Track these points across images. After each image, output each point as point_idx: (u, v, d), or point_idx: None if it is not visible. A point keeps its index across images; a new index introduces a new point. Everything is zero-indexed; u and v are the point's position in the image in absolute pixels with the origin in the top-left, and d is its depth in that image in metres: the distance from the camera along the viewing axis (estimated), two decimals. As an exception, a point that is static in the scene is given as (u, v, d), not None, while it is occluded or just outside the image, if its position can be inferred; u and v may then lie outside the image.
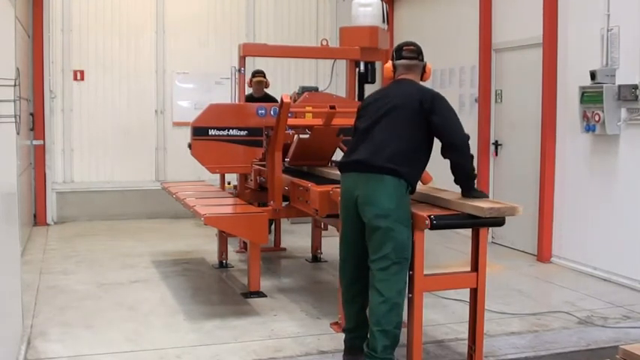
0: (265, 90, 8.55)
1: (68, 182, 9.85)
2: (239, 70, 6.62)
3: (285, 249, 8.00)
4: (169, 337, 4.90)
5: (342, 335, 4.51)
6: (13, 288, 4.22)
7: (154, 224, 9.38)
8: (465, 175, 4.22)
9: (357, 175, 4.14)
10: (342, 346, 4.45)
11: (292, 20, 10.76)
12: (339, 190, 4.46)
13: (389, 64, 4.44)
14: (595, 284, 6.48)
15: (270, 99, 8.06)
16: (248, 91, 7.75)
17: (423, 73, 4.42)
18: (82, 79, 9.80)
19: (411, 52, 4.39)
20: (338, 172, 4.47)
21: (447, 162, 4.22)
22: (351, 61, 6.87)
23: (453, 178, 4.25)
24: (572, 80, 6.88)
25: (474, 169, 4.25)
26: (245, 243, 7.30)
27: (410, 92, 4.24)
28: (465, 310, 4.52)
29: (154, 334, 4.98)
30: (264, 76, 8.55)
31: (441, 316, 5.35)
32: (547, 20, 7.22)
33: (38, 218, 9.48)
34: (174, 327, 5.16)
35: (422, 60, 4.42)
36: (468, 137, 4.19)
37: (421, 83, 4.42)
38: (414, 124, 4.13)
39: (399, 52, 4.41)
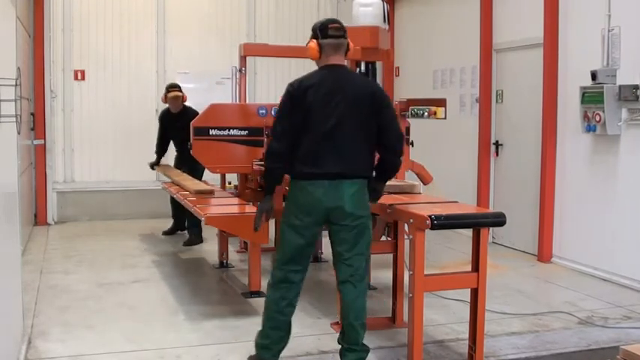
0: (184, 104, 8.20)
1: (69, 182, 9.85)
2: (240, 70, 6.64)
3: (285, 249, 7.98)
4: (169, 337, 4.90)
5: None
6: (13, 288, 4.22)
7: (155, 224, 9.37)
8: (393, 173, 4.29)
9: (328, 183, 3.99)
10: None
11: (293, 20, 10.76)
12: None
13: (314, 44, 4.14)
14: (596, 284, 6.47)
15: (190, 113, 7.58)
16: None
17: (347, 51, 4.17)
18: (83, 78, 9.81)
19: (338, 30, 4.13)
20: None
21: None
22: (351, 61, 6.85)
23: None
24: (572, 80, 6.88)
25: (400, 166, 4.30)
26: (245, 243, 7.30)
27: (360, 86, 4.12)
28: (465, 310, 4.51)
29: (154, 333, 4.98)
30: (180, 90, 8.23)
31: (442, 316, 5.35)
32: (548, 20, 7.22)
33: (39, 218, 9.48)
34: (175, 327, 5.16)
35: (347, 37, 4.17)
36: (403, 137, 4.26)
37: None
38: (369, 120, 4.06)
39: (324, 30, 4.12)
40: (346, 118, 4.01)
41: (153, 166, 8.66)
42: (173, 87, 8.34)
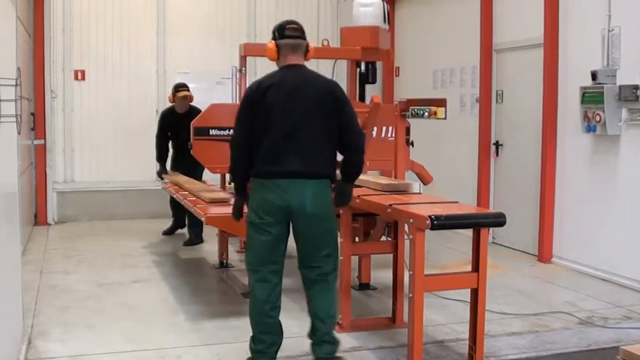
0: (190, 104, 8.15)
1: (69, 182, 9.85)
2: (240, 70, 6.63)
3: (285, 249, 7.97)
4: (170, 337, 4.90)
5: (343, 335, 4.55)
6: (13, 288, 4.22)
7: (155, 224, 9.37)
8: (357, 172, 4.25)
9: (289, 182, 3.97)
10: (343, 346, 4.45)
11: (293, 20, 10.75)
12: None
13: (272, 45, 4.15)
14: (596, 285, 6.48)
15: (195, 112, 7.48)
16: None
17: (306, 52, 4.19)
18: (83, 78, 9.81)
19: (295, 31, 4.15)
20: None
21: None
22: (352, 61, 6.87)
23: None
24: (572, 80, 6.88)
25: (363, 165, 4.27)
26: (245, 243, 7.29)
27: (320, 86, 4.12)
28: (465, 310, 4.51)
29: (155, 334, 4.98)
30: (189, 90, 8.20)
31: (442, 316, 5.35)
32: (548, 20, 7.22)
33: (39, 218, 9.49)
34: (175, 327, 5.16)
35: (305, 39, 4.19)
36: (364, 136, 4.25)
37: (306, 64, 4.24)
38: (329, 120, 4.05)
39: (282, 31, 4.15)
40: (306, 118, 4.01)
41: (161, 174, 8.38)
42: (182, 86, 8.28)
